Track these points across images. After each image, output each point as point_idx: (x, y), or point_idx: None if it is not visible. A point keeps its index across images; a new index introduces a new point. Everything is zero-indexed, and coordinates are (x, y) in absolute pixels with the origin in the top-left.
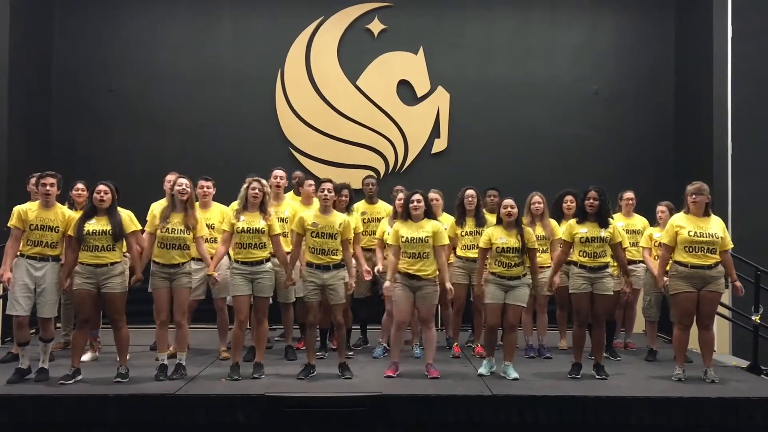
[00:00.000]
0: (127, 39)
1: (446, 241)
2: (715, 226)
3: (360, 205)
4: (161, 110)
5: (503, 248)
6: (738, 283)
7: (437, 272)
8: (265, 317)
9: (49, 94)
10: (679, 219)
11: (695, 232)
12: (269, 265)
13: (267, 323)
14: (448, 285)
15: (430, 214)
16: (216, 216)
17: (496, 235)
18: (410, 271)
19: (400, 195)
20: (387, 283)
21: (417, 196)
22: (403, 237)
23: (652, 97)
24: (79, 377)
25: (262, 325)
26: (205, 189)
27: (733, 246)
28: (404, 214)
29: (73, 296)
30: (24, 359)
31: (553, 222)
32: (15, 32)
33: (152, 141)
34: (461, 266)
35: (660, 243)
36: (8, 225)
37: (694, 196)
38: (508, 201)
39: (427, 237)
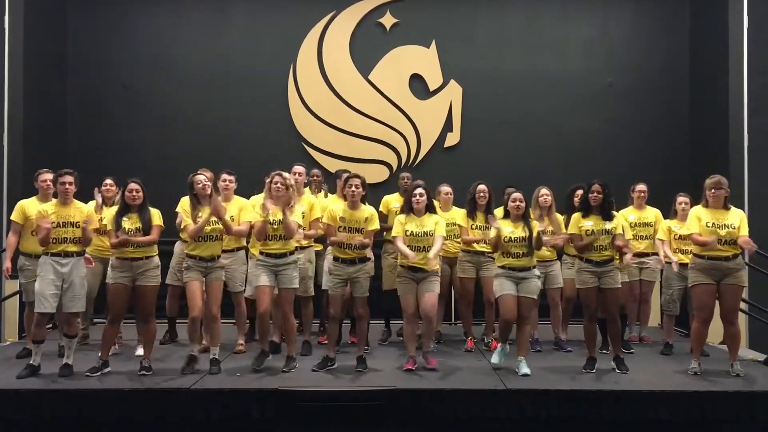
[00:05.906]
0: (140, 36)
1: (444, 233)
2: (733, 218)
3: (394, 198)
4: (174, 107)
5: (510, 238)
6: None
7: (438, 267)
8: (291, 310)
9: (64, 91)
10: (698, 210)
11: (713, 224)
12: (294, 257)
13: (293, 317)
14: (431, 253)
15: (431, 208)
16: (236, 209)
17: (503, 226)
18: (413, 264)
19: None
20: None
21: (419, 191)
22: (408, 231)
23: (667, 89)
24: (107, 369)
25: (289, 318)
26: (227, 182)
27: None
28: (407, 207)
29: (108, 291)
30: (36, 356)
31: (558, 216)
32: (30, 31)
33: (165, 138)
34: (469, 260)
35: (681, 235)
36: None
37: (713, 191)
38: (518, 194)
39: (431, 231)
